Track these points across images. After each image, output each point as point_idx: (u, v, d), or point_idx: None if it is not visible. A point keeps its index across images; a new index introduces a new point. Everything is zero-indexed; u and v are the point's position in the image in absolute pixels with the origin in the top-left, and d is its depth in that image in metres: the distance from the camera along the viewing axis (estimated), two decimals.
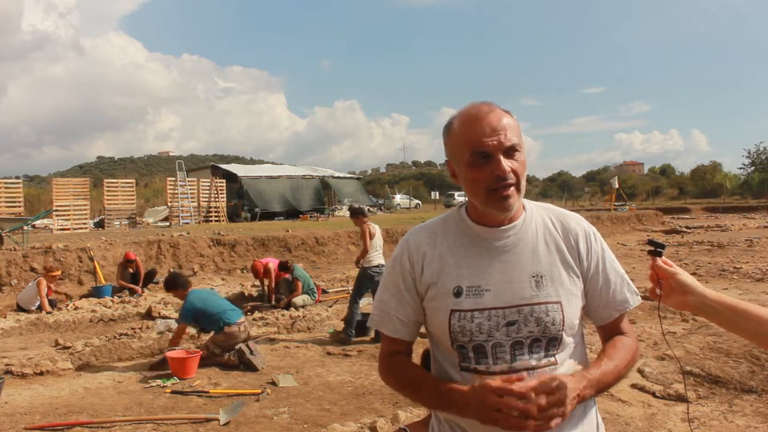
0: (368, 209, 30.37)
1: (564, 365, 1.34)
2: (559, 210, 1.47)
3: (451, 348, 1.35)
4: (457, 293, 1.33)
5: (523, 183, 1.32)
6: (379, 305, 1.47)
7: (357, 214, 6.98)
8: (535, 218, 1.41)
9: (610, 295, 1.39)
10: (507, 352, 1.30)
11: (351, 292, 6.89)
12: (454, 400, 1.26)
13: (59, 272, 8.96)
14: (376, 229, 6.80)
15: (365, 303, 8.68)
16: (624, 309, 1.41)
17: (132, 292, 9.76)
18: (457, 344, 1.33)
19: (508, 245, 1.36)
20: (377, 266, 6.63)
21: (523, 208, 1.41)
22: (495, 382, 1.19)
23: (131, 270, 10.14)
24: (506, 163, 1.26)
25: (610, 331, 1.42)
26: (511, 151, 1.28)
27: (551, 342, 1.32)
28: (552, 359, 1.32)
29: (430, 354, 1.48)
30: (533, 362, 1.31)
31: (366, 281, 6.61)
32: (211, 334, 5.79)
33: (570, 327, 1.34)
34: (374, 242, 6.68)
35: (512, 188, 1.28)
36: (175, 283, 5.99)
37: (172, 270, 11.67)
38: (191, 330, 6.38)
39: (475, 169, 1.28)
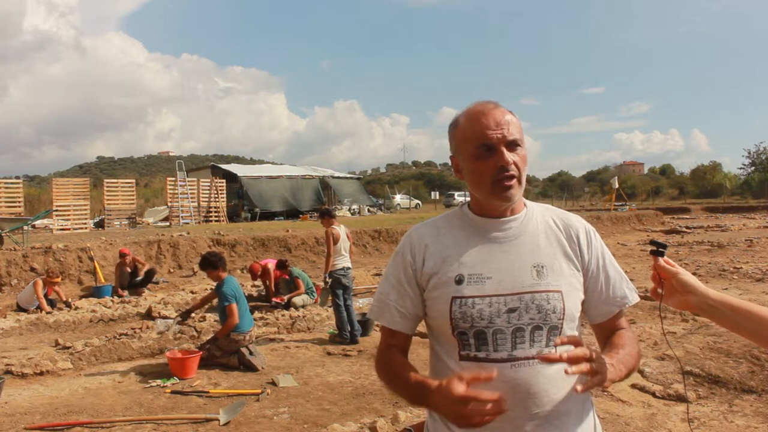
0: (368, 209, 30.38)
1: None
2: (559, 210, 1.52)
3: (451, 336, 1.36)
4: (459, 281, 1.35)
5: (524, 177, 1.37)
6: (379, 297, 1.48)
7: (325, 215, 6.86)
8: (536, 214, 1.45)
9: (611, 291, 1.41)
10: (508, 339, 1.31)
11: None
12: (425, 395, 1.27)
13: (59, 279, 8.92)
14: (341, 232, 6.71)
15: (365, 303, 8.71)
16: (624, 304, 1.42)
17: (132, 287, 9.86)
18: (458, 331, 1.34)
19: (509, 236, 1.39)
20: (342, 269, 6.61)
21: (524, 204, 1.45)
22: (460, 387, 1.16)
23: (129, 269, 10.15)
24: (509, 156, 1.32)
25: (609, 328, 1.43)
26: (513, 146, 1.34)
27: (552, 331, 1.33)
28: (553, 350, 1.32)
29: (429, 350, 1.48)
30: (534, 352, 1.31)
31: (336, 285, 6.59)
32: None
33: (570, 318, 1.35)
34: (338, 247, 6.61)
35: (514, 179, 1.34)
36: (214, 262, 5.65)
37: (171, 271, 11.67)
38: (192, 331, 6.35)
39: (480, 161, 1.34)
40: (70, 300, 8.87)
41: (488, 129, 1.33)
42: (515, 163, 1.33)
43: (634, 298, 1.44)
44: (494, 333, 1.32)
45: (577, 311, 1.37)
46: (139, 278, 10.25)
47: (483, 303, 1.33)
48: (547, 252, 1.38)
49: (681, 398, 4.13)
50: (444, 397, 1.18)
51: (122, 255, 10.22)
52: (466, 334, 1.33)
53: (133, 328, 7.04)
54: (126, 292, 9.84)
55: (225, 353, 5.60)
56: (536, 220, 1.43)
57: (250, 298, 9.32)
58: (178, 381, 5.14)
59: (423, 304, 1.43)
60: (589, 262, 1.41)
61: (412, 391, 1.33)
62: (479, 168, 1.34)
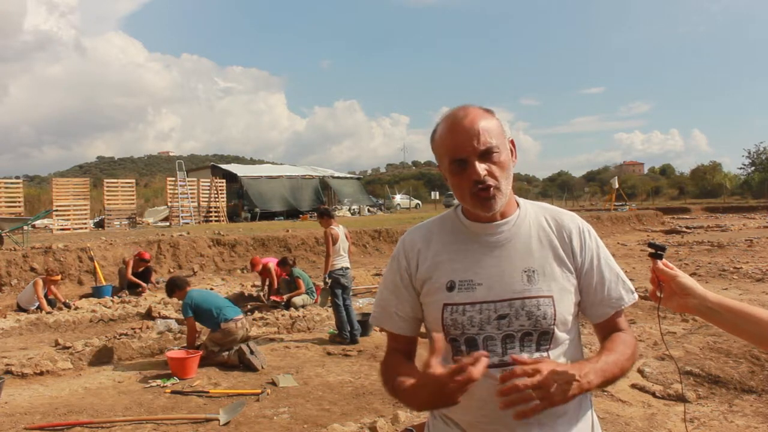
0: (368, 209, 30.38)
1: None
2: (555, 208, 1.48)
3: (444, 341, 1.35)
4: (450, 287, 1.35)
5: (505, 182, 1.32)
6: (379, 303, 1.49)
7: (324, 215, 6.85)
8: (529, 215, 1.42)
9: (605, 293, 1.39)
10: (498, 345, 1.31)
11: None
12: (413, 396, 1.24)
13: (59, 277, 8.92)
14: (340, 232, 6.72)
15: (365, 303, 8.71)
16: (619, 306, 1.40)
17: (137, 287, 9.84)
18: (450, 337, 1.35)
19: (501, 240, 1.38)
20: (341, 269, 6.62)
21: (517, 205, 1.42)
22: (438, 368, 1.15)
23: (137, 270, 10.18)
24: (481, 167, 1.28)
25: (607, 329, 1.41)
26: (487, 154, 1.29)
27: (543, 336, 1.32)
28: (544, 354, 1.32)
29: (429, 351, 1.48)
30: (525, 357, 1.30)
31: (335, 285, 6.60)
32: (209, 332, 5.80)
33: (562, 322, 1.34)
34: (336, 247, 6.62)
35: (491, 189, 1.30)
36: (173, 287, 6.01)
37: (171, 271, 11.67)
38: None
39: (456, 176, 1.32)
40: (68, 301, 8.87)
41: (457, 143, 1.29)
42: (490, 173, 1.29)
43: (630, 299, 1.41)
44: (485, 339, 1.32)
45: (569, 315, 1.35)
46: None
47: (473, 310, 1.32)
48: (539, 256, 1.36)
49: (681, 398, 4.13)
50: (426, 386, 1.16)
51: (144, 260, 10.26)
52: (457, 341, 1.34)
53: (133, 328, 7.05)
54: (126, 293, 9.83)
55: (222, 348, 5.61)
56: (529, 222, 1.41)
57: (249, 297, 9.34)
58: (178, 381, 5.14)
59: (421, 307, 1.43)
60: (582, 264, 1.38)
61: (402, 394, 1.30)
62: (456, 183, 1.33)
